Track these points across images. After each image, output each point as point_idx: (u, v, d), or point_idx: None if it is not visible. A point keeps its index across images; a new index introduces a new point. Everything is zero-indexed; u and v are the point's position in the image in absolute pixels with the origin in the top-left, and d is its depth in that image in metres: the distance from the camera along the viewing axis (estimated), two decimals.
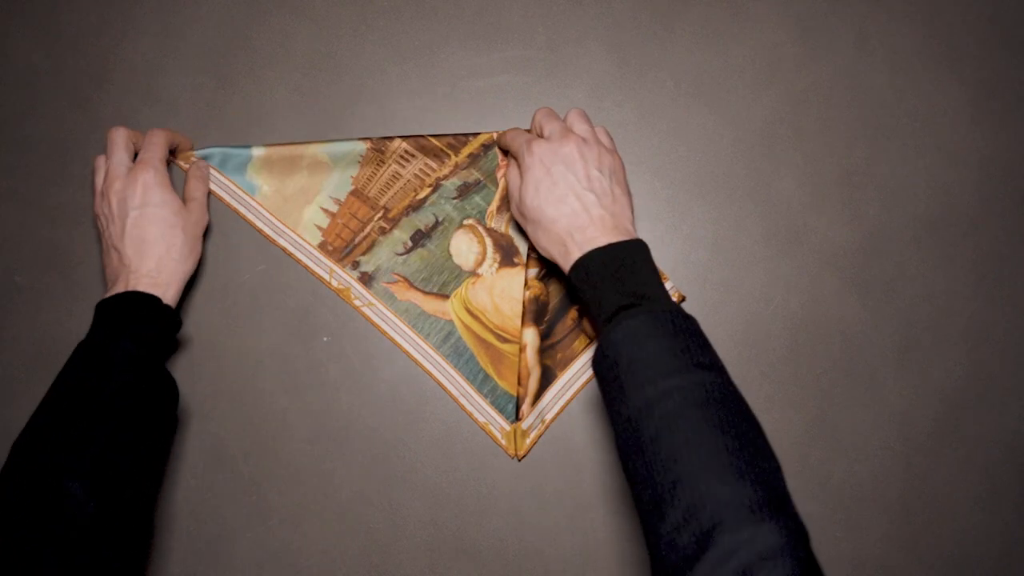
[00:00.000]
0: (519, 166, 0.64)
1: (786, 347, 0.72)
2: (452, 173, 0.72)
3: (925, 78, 0.75)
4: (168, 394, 0.62)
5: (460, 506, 0.70)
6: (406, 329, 0.71)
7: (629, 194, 0.63)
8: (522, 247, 0.71)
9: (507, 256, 0.71)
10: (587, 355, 0.71)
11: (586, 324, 0.72)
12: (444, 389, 0.71)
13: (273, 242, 0.72)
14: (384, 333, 0.71)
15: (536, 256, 0.71)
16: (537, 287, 0.71)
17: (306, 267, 0.71)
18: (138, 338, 0.60)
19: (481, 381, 0.71)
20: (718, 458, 0.47)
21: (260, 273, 0.73)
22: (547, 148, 0.62)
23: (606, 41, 0.75)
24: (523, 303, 0.70)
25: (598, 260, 0.57)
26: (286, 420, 0.71)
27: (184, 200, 0.68)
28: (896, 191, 0.74)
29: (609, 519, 0.70)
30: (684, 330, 0.54)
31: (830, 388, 0.72)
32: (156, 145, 0.68)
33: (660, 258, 0.72)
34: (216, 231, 0.73)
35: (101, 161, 0.68)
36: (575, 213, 0.60)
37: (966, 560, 0.70)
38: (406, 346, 0.71)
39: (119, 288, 0.63)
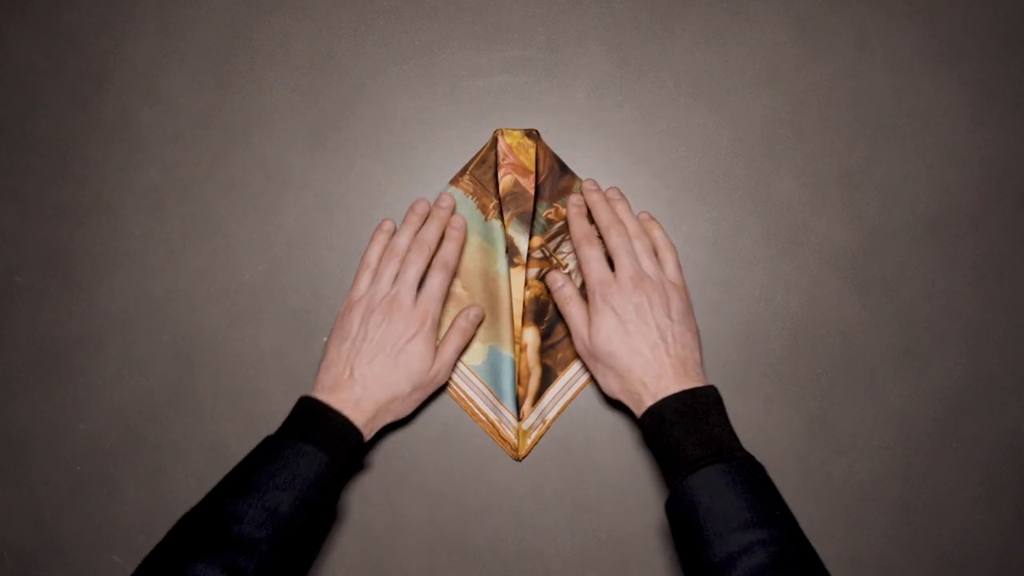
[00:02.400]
0: (588, 303, 0.65)
1: (786, 347, 0.72)
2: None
3: (925, 78, 0.75)
4: (330, 518, 0.65)
5: (460, 506, 0.70)
6: None
7: (697, 331, 0.66)
8: (522, 246, 0.71)
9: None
10: None
11: None
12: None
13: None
14: None
15: (537, 256, 0.71)
16: (537, 287, 0.71)
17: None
18: (333, 458, 0.59)
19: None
20: None
21: (260, 273, 0.73)
22: (620, 297, 0.64)
23: (606, 41, 0.75)
24: (523, 303, 0.70)
25: (671, 407, 0.59)
26: None
27: (435, 355, 0.66)
28: (896, 191, 0.74)
29: (609, 519, 0.70)
30: (758, 480, 0.56)
31: (830, 388, 0.72)
32: (440, 292, 0.67)
33: None
34: (217, 231, 0.73)
35: (389, 244, 0.69)
36: (648, 364, 0.62)
37: (966, 560, 0.70)
38: None
39: (337, 403, 0.62)
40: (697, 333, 0.65)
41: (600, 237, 0.69)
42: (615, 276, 0.65)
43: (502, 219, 0.71)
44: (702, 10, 0.75)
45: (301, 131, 0.74)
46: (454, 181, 0.72)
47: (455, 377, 0.71)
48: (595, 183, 0.72)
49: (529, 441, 0.70)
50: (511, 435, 0.70)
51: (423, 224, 0.70)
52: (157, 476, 0.70)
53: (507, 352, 0.70)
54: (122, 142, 0.74)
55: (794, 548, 0.54)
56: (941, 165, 0.75)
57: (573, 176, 0.73)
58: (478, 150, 0.73)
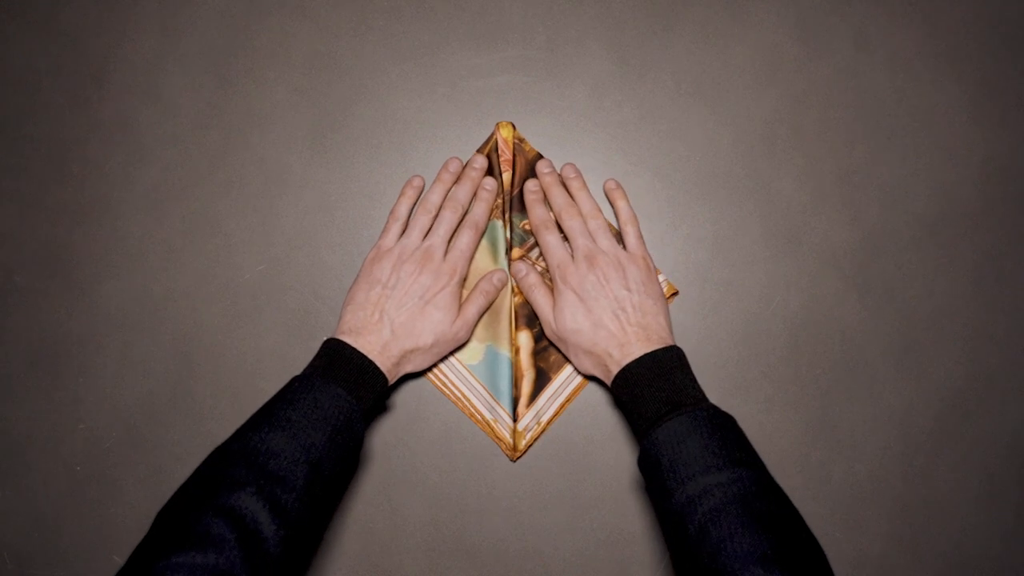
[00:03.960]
0: (552, 288, 0.68)
1: (786, 347, 0.72)
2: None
3: (925, 78, 0.75)
4: (356, 462, 0.63)
5: (460, 506, 0.70)
6: None
7: (660, 296, 0.67)
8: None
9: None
10: None
11: None
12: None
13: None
14: None
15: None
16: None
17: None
18: (360, 401, 0.60)
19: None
20: (759, 550, 0.50)
21: (260, 273, 0.73)
22: (577, 276, 0.66)
23: (606, 41, 0.75)
24: (515, 308, 0.70)
25: (635, 371, 0.61)
26: None
27: (459, 312, 0.68)
28: (896, 191, 0.74)
29: (609, 519, 0.70)
30: (721, 427, 0.57)
31: (830, 388, 0.72)
32: (469, 250, 0.69)
33: (660, 258, 0.72)
34: (217, 231, 0.73)
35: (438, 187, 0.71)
36: (611, 335, 0.64)
37: (966, 560, 0.70)
38: None
39: (364, 346, 0.63)
40: (661, 298, 0.67)
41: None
42: (573, 258, 0.67)
43: (503, 218, 0.71)
44: (702, 10, 0.75)
45: (301, 131, 0.74)
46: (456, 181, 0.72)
47: (451, 376, 0.71)
48: (549, 163, 0.72)
49: (524, 442, 0.70)
50: (506, 435, 0.70)
51: (455, 183, 0.71)
52: (157, 476, 0.70)
53: (504, 352, 0.70)
54: (122, 142, 0.74)
55: (756, 489, 0.54)
56: (941, 165, 0.75)
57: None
58: (481, 146, 0.73)
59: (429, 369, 0.70)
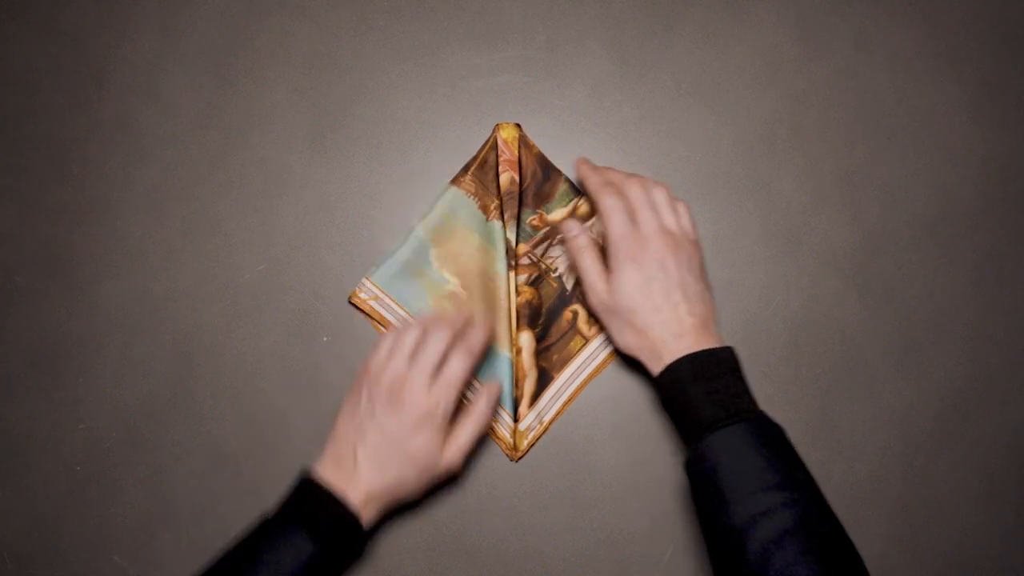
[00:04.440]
0: (608, 256, 0.64)
1: (786, 347, 0.72)
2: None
3: (925, 78, 0.75)
4: None
5: (460, 506, 0.70)
6: None
7: (710, 287, 0.65)
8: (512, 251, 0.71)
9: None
10: (583, 355, 0.71)
11: (581, 324, 0.72)
12: None
13: None
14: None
15: (524, 263, 0.71)
16: (528, 292, 0.71)
17: None
18: (329, 550, 0.58)
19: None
20: None
21: (260, 273, 0.73)
22: (643, 252, 0.62)
23: (606, 41, 0.75)
24: (516, 308, 0.70)
25: (690, 367, 0.59)
26: (286, 420, 0.71)
27: (447, 440, 0.62)
28: (896, 191, 0.74)
29: (609, 519, 0.70)
30: (778, 442, 0.56)
31: (830, 388, 0.72)
32: (458, 380, 0.62)
33: None
34: (217, 231, 0.73)
35: (410, 332, 0.63)
36: (667, 322, 0.61)
37: (966, 560, 0.70)
38: None
39: (338, 483, 0.59)
40: (711, 290, 0.65)
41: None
42: (637, 230, 0.63)
43: (503, 219, 0.71)
44: (702, 10, 0.75)
45: (301, 131, 0.74)
46: (455, 181, 0.72)
47: None
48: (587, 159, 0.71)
49: (526, 442, 0.70)
50: (507, 435, 0.70)
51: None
52: (157, 476, 0.70)
53: (505, 352, 0.70)
54: (122, 142, 0.74)
55: (816, 511, 0.53)
56: (941, 165, 0.75)
57: (557, 175, 0.73)
58: (480, 147, 0.73)
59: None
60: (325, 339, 0.72)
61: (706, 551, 0.70)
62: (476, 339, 0.64)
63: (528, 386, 0.70)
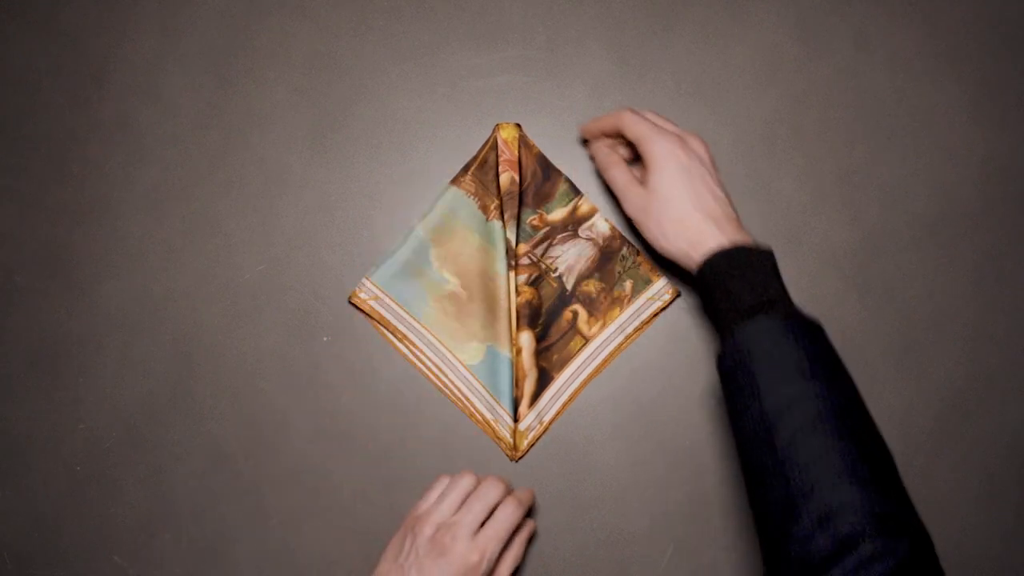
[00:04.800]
0: (645, 157, 0.63)
1: None
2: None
3: (925, 78, 0.75)
4: None
5: None
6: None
7: None
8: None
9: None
10: (584, 355, 0.71)
11: (581, 324, 0.72)
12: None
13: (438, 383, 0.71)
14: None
15: (524, 263, 0.71)
16: (528, 292, 0.71)
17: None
18: None
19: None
20: (858, 469, 0.49)
21: (260, 273, 0.73)
22: (681, 144, 0.63)
23: (606, 41, 0.75)
24: (516, 308, 0.70)
25: (735, 257, 0.58)
26: (286, 420, 0.71)
27: None
28: (896, 191, 0.74)
29: (609, 519, 0.70)
30: (818, 335, 0.55)
31: None
32: (506, 532, 0.62)
33: (661, 258, 0.72)
34: (217, 231, 0.73)
35: (449, 488, 0.63)
36: (708, 208, 0.61)
37: (966, 560, 0.70)
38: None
39: None
40: None
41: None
42: (667, 132, 0.64)
43: (503, 219, 0.71)
44: (702, 10, 0.75)
45: (301, 131, 0.74)
46: (455, 181, 0.72)
47: (452, 376, 0.71)
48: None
49: (526, 442, 0.70)
50: (507, 435, 0.70)
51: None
52: (157, 476, 0.70)
53: (505, 352, 0.70)
54: (122, 142, 0.74)
55: (851, 403, 0.52)
56: (941, 165, 0.75)
57: (558, 175, 0.73)
58: (480, 147, 0.73)
59: None
60: (325, 339, 0.72)
61: (703, 553, 0.70)
62: (527, 495, 0.65)
63: (528, 386, 0.70)
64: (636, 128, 0.64)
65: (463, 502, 0.62)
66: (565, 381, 0.71)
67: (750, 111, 0.74)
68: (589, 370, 0.71)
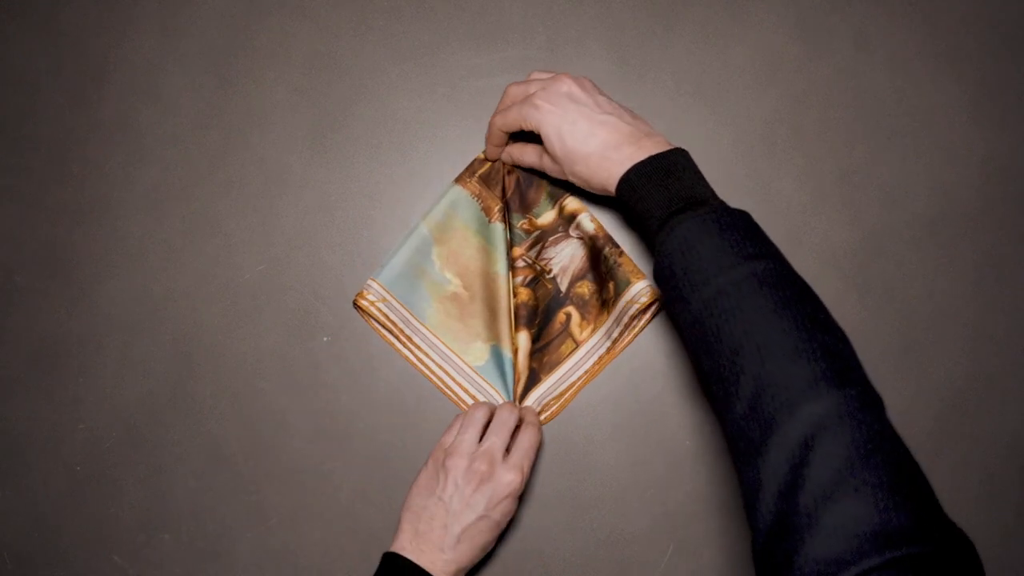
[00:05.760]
0: (534, 125, 0.63)
1: None
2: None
3: (925, 78, 0.75)
4: None
5: None
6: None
7: (630, 109, 0.64)
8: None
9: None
10: (572, 361, 0.71)
11: (573, 327, 0.71)
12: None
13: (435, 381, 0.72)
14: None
15: (520, 265, 0.71)
16: (525, 293, 0.71)
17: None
18: None
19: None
20: (777, 342, 0.47)
21: (260, 273, 0.73)
22: (547, 94, 0.62)
23: (606, 41, 0.75)
24: (515, 307, 0.70)
25: (640, 172, 0.58)
26: (286, 420, 0.71)
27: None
28: (896, 191, 0.74)
29: (609, 519, 0.70)
30: (732, 226, 0.54)
31: None
32: (534, 448, 0.65)
33: None
34: (217, 231, 0.73)
35: (464, 425, 0.65)
36: (605, 141, 0.60)
37: None
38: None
39: (427, 564, 0.61)
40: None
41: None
42: (531, 93, 0.64)
43: (505, 223, 0.71)
44: (702, 10, 0.75)
45: (301, 131, 0.74)
46: (460, 180, 0.72)
47: (460, 379, 0.71)
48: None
49: None
50: None
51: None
52: (157, 476, 0.70)
53: (507, 352, 0.70)
54: (122, 142, 0.74)
55: (771, 277, 0.51)
56: (941, 165, 0.75)
57: (540, 181, 0.72)
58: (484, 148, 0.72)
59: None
60: (325, 339, 0.72)
61: (703, 553, 0.70)
62: (533, 415, 0.68)
63: (519, 388, 0.70)
64: (509, 119, 0.65)
65: (483, 433, 0.65)
66: (551, 384, 0.71)
67: (750, 111, 0.74)
68: (574, 377, 0.71)
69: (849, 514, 0.42)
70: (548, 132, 0.62)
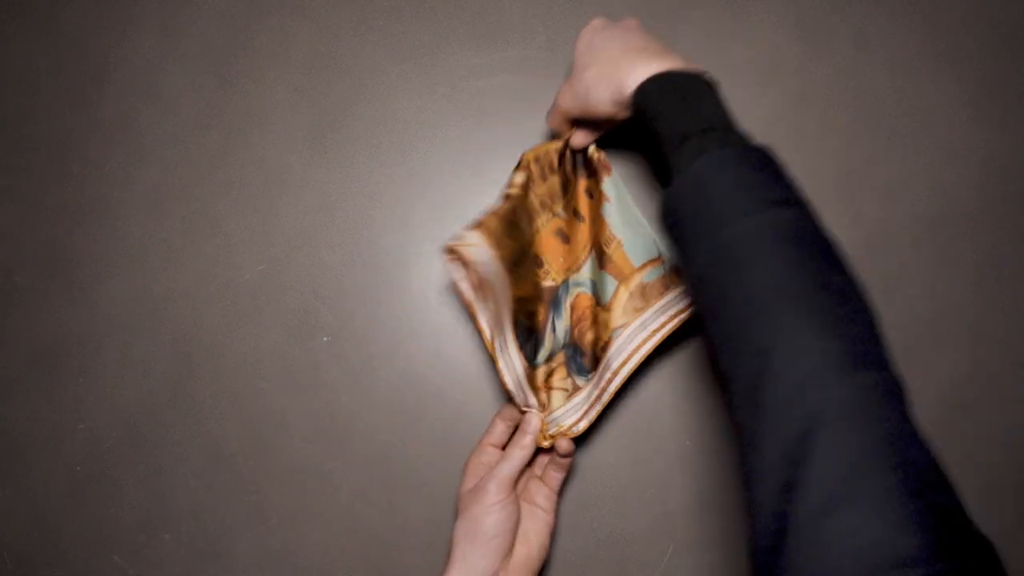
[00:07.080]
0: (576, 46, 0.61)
1: None
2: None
3: (925, 78, 0.75)
4: None
5: None
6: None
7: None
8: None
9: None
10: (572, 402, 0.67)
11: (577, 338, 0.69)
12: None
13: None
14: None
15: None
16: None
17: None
18: None
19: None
20: (786, 309, 0.41)
21: (260, 273, 0.73)
22: (576, 44, 0.60)
23: None
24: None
25: (663, 83, 0.51)
26: (286, 420, 0.71)
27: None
28: (896, 191, 0.74)
29: (609, 519, 0.70)
30: (753, 164, 0.46)
31: None
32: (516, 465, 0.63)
33: None
34: (217, 231, 0.73)
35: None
36: (628, 47, 0.55)
37: None
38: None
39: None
40: None
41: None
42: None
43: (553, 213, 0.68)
44: (702, 10, 0.75)
45: (301, 131, 0.74)
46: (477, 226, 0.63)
47: (505, 373, 0.66)
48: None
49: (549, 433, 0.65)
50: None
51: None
52: (157, 476, 0.70)
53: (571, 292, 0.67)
54: (122, 142, 0.74)
55: (803, 224, 0.44)
56: (941, 165, 0.75)
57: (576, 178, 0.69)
58: (507, 186, 0.66)
59: None
60: (325, 339, 0.72)
61: (703, 553, 0.70)
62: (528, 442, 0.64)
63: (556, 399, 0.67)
64: (562, 104, 0.61)
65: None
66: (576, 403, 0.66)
67: (750, 111, 0.74)
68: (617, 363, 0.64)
69: (852, 527, 0.36)
70: (578, 41, 0.60)
